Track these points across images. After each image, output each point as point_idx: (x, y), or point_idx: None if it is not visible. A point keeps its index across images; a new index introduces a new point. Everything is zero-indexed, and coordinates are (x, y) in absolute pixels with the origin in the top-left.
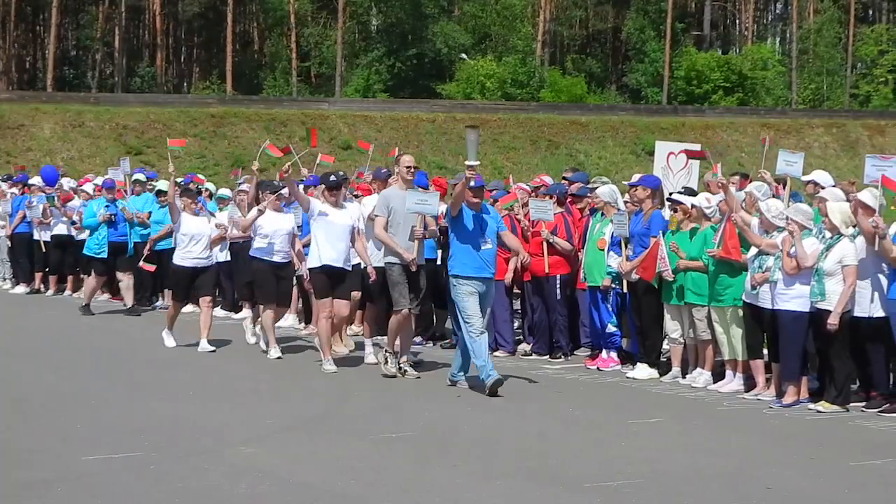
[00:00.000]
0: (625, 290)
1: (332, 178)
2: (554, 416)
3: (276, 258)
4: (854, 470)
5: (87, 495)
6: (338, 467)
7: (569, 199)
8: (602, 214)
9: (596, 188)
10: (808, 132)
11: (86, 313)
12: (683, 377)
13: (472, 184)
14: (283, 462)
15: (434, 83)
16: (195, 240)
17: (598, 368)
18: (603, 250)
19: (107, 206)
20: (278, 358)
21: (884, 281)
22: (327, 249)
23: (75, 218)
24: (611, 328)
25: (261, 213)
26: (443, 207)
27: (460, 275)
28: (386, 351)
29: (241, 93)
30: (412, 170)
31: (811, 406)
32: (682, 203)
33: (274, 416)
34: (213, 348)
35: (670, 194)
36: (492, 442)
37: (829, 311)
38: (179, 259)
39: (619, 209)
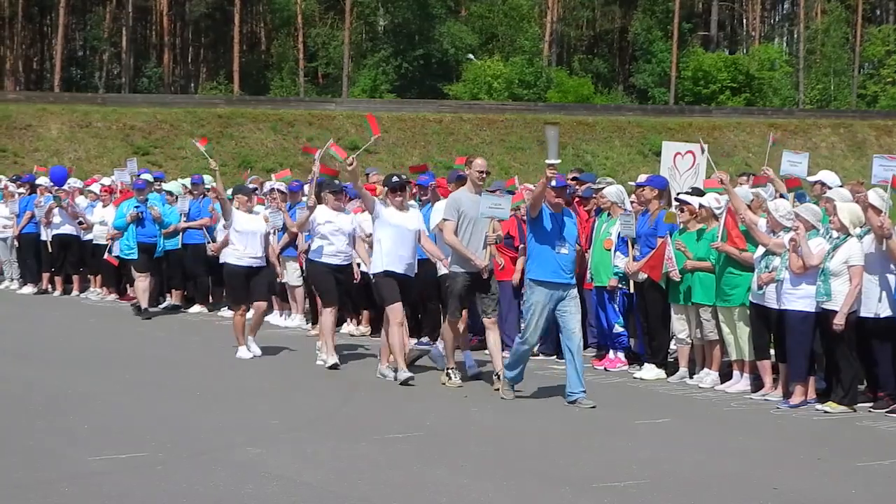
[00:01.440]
0: (631, 290)
1: (395, 178)
2: (561, 416)
3: (336, 260)
4: (861, 470)
5: (93, 496)
6: (343, 468)
7: (575, 200)
8: (608, 215)
9: (602, 188)
10: (815, 132)
11: (146, 317)
12: (691, 377)
13: (553, 183)
14: (289, 462)
15: (441, 83)
16: (250, 239)
17: (605, 369)
18: (609, 250)
19: (136, 207)
20: (335, 366)
21: (891, 281)
22: (392, 255)
23: (82, 218)
24: (618, 328)
25: (312, 210)
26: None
27: (534, 278)
28: (448, 369)
29: (248, 93)
30: (484, 174)
31: (818, 406)
32: (689, 203)
33: (280, 416)
34: (251, 354)
35: (678, 194)
36: (498, 442)
37: (836, 311)
38: (234, 258)
39: (625, 209)
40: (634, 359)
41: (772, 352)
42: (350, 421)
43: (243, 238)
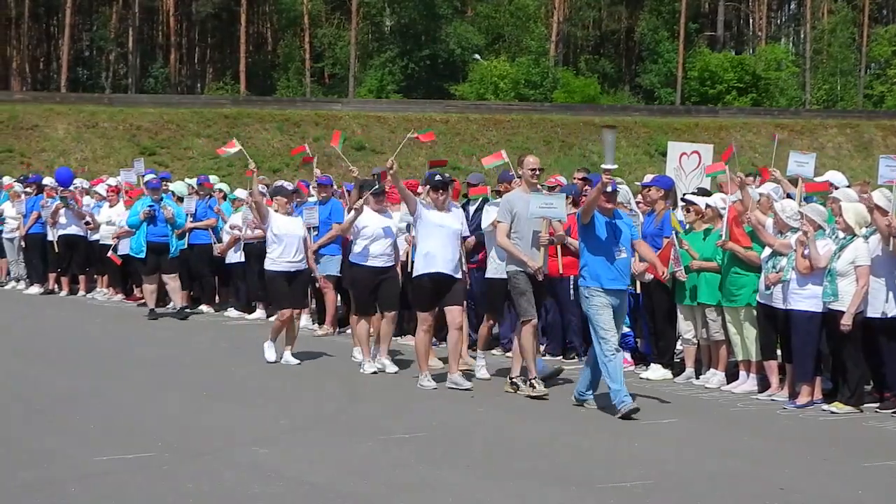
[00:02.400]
0: (638, 290)
1: (438, 177)
2: (566, 416)
3: (377, 262)
4: (868, 471)
5: (99, 496)
6: (349, 468)
7: (582, 200)
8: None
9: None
10: (821, 133)
11: (152, 318)
12: (697, 378)
13: (608, 188)
14: (294, 462)
15: (447, 84)
16: (288, 242)
17: None
18: None
19: (150, 206)
20: (374, 373)
21: None
22: (435, 256)
23: (89, 218)
24: (624, 329)
25: (358, 213)
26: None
27: (593, 286)
28: (530, 379)
29: (255, 93)
30: (537, 172)
31: (825, 407)
32: (695, 204)
33: (285, 416)
34: (297, 361)
35: (684, 195)
36: (503, 442)
37: (843, 312)
38: (271, 264)
39: (631, 210)
40: (641, 359)
41: (778, 352)
42: (356, 421)
43: (281, 241)
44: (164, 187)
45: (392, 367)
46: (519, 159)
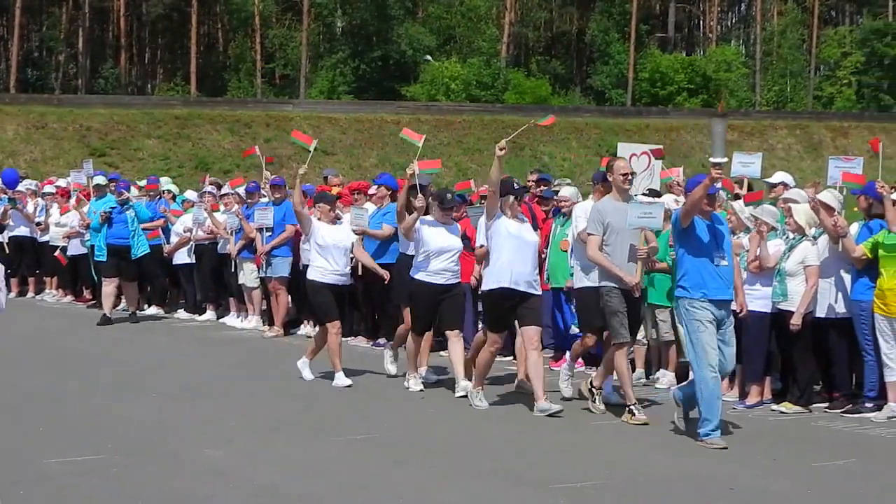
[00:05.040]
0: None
1: (515, 184)
2: (519, 417)
3: (440, 280)
4: (817, 470)
5: (49, 498)
6: (305, 469)
7: (532, 200)
8: (565, 216)
9: (559, 190)
10: (771, 134)
11: (103, 322)
12: (647, 378)
13: (718, 185)
14: (249, 464)
15: (399, 85)
16: (334, 253)
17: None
18: (566, 251)
19: (113, 207)
20: (420, 391)
21: (847, 280)
22: (508, 268)
23: (39, 219)
24: (574, 329)
25: (420, 211)
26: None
27: (695, 297)
28: (629, 405)
29: (206, 94)
30: (629, 177)
31: (774, 407)
32: None
33: (240, 418)
34: (349, 382)
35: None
36: (458, 443)
37: (792, 312)
38: (317, 275)
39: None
40: (593, 360)
41: None
42: (312, 422)
43: (326, 252)
44: (110, 189)
45: (481, 401)
46: (608, 164)
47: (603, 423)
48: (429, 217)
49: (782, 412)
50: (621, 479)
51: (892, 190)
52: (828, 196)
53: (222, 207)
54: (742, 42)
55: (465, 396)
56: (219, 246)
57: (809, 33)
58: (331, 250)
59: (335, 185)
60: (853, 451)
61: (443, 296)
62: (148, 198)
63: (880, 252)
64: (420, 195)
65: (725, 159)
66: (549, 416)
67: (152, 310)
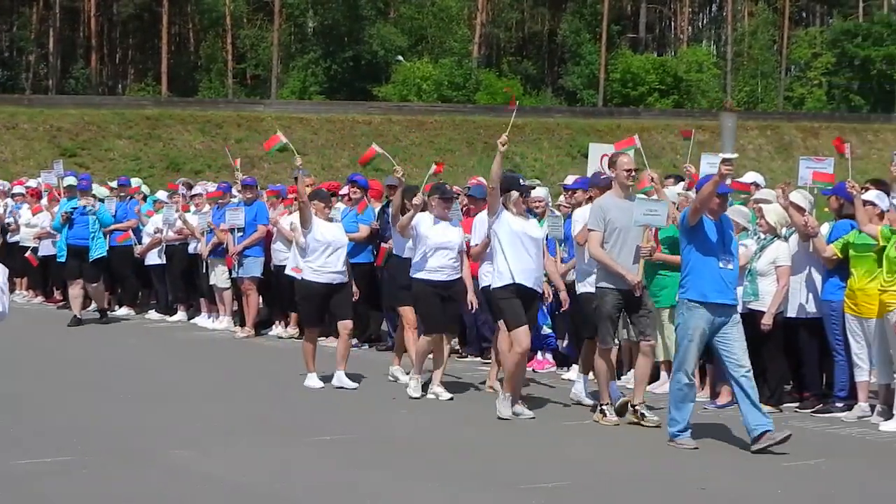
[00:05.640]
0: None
1: (520, 180)
2: (489, 418)
3: (440, 276)
4: (787, 470)
5: (18, 499)
6: (274, 470)
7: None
8: (537, 216)
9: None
10: (742, 134)
11: (73, 324)
12: (618, 379)
13: (728, 182)
14: (219, 465)
15: (370, 85)
16: (331, 250)
17: (532, 370)
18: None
19: (75, 208)
20: (419, 397)
21: (817, 280)
22: (515, 266)
23: (8, 220)
24: (546, 329)
25: (417, 209)
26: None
27: (694, 299)
28: (601, 404)
29: (177, 94)
30: (632, 173)
31: None
32: None
33: (211, 419)
34: (355, 385)
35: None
36: (428, 444)
37: (763, 312)
38: (311, 274)
39: (552, 211)
40: (563, 361)
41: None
42: (282, 423)
43: (323, 249)
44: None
45: (445, 395)
46: (610, 160)
47: (573, 424)
48: (426, 214)
49: None
50: (592, 479)
51: (863, 190)
52: (798, 196)
53: (193, 208)
54: (713, 43)
55: (421, 397)
56: (190, 246)
57: (780, 34)
58: (328, 248)
59: (306, 185)
60: (823, 450)
61: (446, 292)
62: (119, 198)
63: (851, 252)
64: (419, 194)
65: (736, 155)
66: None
67: (123, 311)
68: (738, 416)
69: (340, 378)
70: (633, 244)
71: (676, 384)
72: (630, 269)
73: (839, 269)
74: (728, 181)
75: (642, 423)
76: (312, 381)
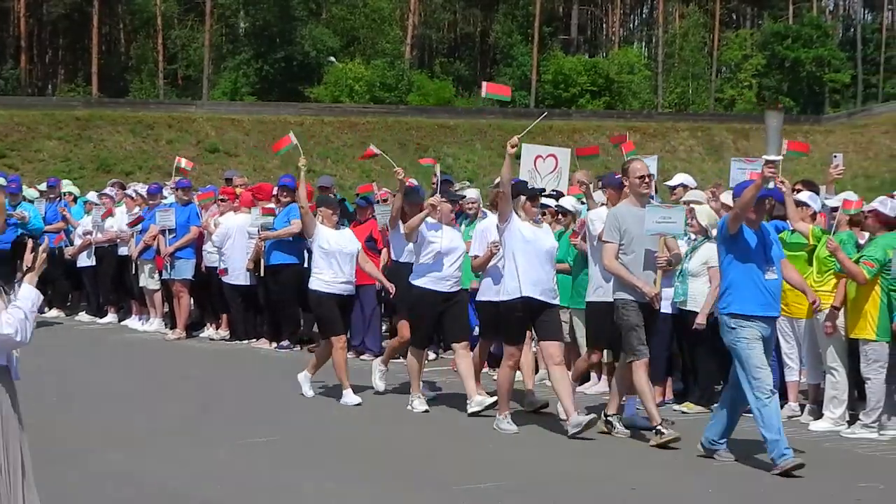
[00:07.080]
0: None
1: (527, 184)
2: (422, 419)
3: (444, 287)
4: (718, 470)
5: None
6: (202, 472)
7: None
8: (469, 218)
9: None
10: (673, 136)
11: None
12: (549, 379)
13: (770, 185)
14: (148, 467)
15: (302, 86)
16: (339, 259)
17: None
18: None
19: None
20: (425, 412)
21: None
22: (525, 276)
23: None
24: (477, 331)
25: (431, 210)
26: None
27: (742, 313)
28: (606, 416)
29: (107, 95)
30: (647, 180)
31: (676, 407)
32: (548, 206)
33: (140, 421)
34: (359, 400)
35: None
36: (360, 446)
37: (694, 312)
38: (322, 285)
39: (483, 212)
40: (494, 361)
41: None
42: (211, 426)
43: (330, 258)
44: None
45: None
46: (623, 166)
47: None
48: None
49: (684, 412)
50: (524, 479)
51: (794, 191)
52: (728, 198)
53: (121, 209)
54: (644, 44)
55: (478, 413)
56: (120, 249)
57: (711, 36)
58: (336, 256)
59: (238, 186)
60: (753, 449)
61: (445, 304)
62: (48, 200)
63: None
64: (437, 194)
65: (781, 157)
66: (585, 427)
67: (53, 312)
68: (668, 416)
69: (350, 397)
70: (649, 254)
71: (759, 399)
72: (646, 280)
73: None
74: (771, 184)
75: (612, 433)
76: (349, 397)
